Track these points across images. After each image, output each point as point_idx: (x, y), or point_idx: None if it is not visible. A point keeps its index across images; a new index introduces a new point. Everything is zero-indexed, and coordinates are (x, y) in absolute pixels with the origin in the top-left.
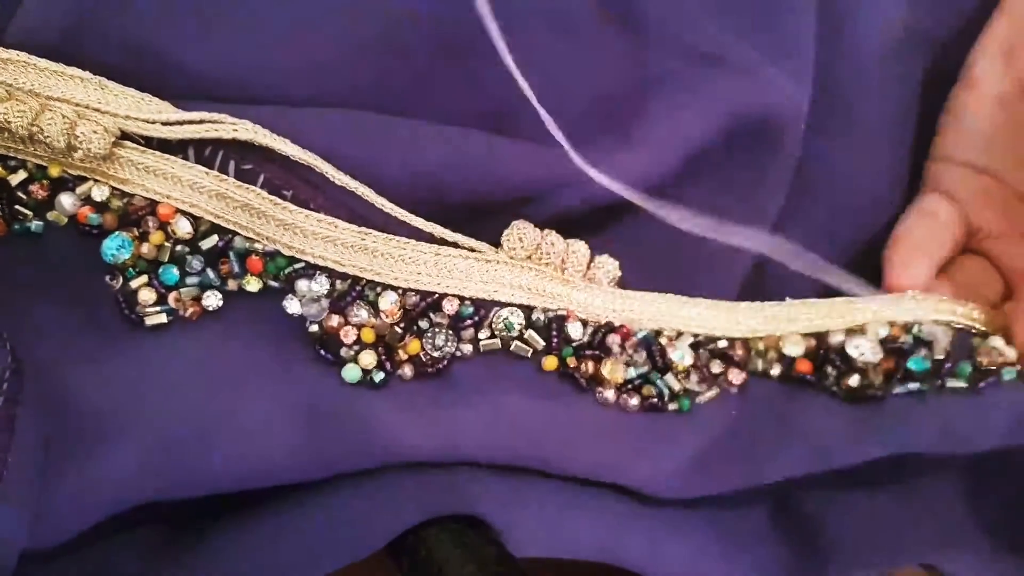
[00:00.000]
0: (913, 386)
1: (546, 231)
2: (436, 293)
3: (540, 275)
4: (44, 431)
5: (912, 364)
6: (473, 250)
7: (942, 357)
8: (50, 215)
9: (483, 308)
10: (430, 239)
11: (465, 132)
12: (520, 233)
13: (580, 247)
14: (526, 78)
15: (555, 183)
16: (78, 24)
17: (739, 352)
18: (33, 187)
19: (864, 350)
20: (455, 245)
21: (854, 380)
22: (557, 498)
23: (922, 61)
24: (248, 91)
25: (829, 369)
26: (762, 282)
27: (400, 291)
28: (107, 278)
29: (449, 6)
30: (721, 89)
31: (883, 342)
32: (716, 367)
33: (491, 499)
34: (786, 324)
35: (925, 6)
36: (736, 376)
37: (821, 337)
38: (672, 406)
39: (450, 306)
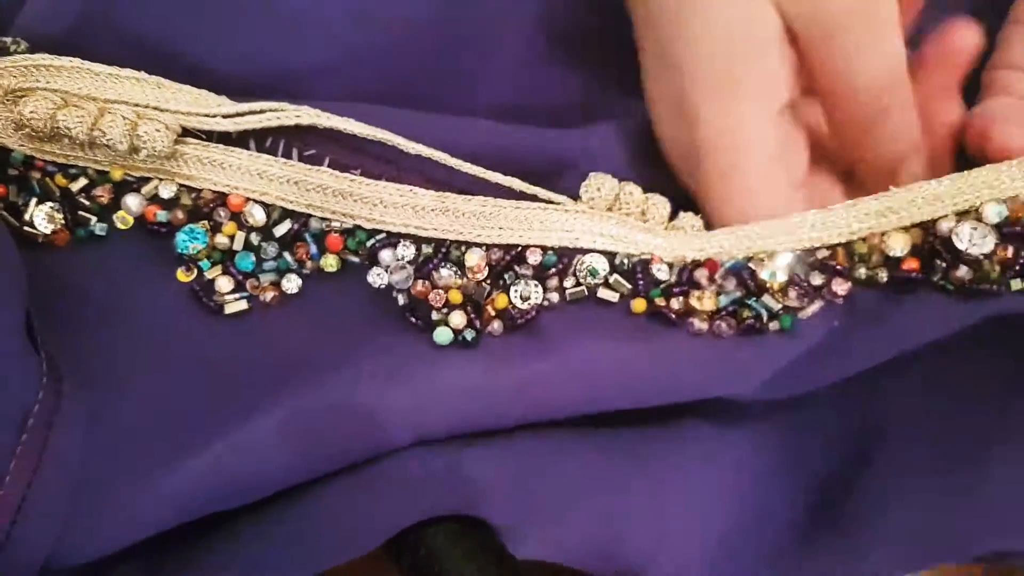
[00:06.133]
0: None
1: (624, 182)
2: (519, 246)
3: (622, 224)
4: (86, 451)
5: None
6: (551, 202)
7: None
8: (116, 217)
9: (566, 256)
10: (508, 194)
11: (474, 121)
12: (598, 183)
13: (659, 200)
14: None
15: (565, 164)
16: (85, 20)
17: (840, 261)
18: (97, 191)
19: (972, 238)
20: (534, 198)
21: (963, 272)
22: (558, 500)
23: None
24: (259, 89)
25: (938, 263)
26: None
27: (484, 247)
28: (182, 270)
29: (448, 9)
30: None
31: (1000, 226)
32: (817, 279)
33: (491, 499)
34: (887, 219)
35: None
36: (840, 286)
37: (928, 227)
38: (773, 325)
39: (534, 257)
